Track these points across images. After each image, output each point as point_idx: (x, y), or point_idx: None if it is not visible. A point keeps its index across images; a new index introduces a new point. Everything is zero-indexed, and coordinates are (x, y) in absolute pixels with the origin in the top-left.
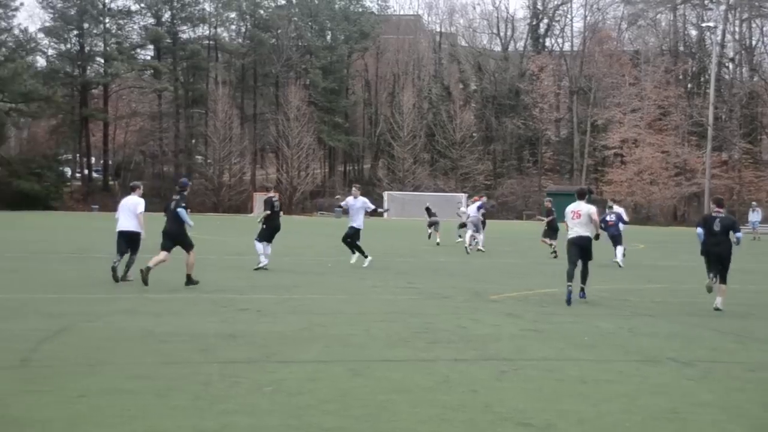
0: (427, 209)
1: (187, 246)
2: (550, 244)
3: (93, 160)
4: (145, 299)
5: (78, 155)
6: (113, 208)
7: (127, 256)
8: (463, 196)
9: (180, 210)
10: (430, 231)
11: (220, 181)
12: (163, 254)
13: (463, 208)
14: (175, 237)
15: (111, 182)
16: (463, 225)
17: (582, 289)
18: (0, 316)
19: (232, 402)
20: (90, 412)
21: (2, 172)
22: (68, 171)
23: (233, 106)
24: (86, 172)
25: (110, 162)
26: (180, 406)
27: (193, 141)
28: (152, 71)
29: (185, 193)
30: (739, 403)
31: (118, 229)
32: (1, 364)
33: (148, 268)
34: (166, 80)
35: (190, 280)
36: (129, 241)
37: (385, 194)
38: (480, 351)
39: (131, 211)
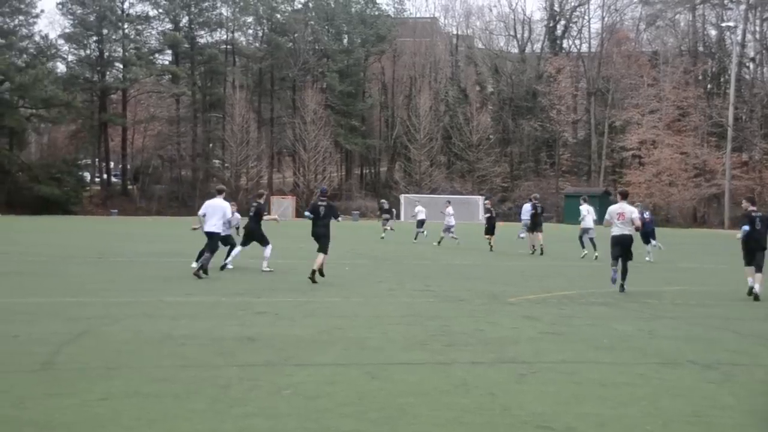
0: (381, 206)
1: (324, 248)
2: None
3: (112, 164)
4: (162, 303)
5: (97, 160)
6: (132, 213)
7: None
8: (479, 199)
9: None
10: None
11: (237, 185)
12: (321, 256)
13: (419, 207)
14: (320, 237)
15: (130, 186)
16: (421, 223)
17: (622, 285)
18: (21, 319)
19: (251, 405)
20: (110, 415)
21: (23, 177)
22: (87, 176)
23: (250, 110)
24: (105, 176)
25: (129, 166)
26: (199, 410)
27: (211, 145)
28: (170, 76)
29: (327, 197)
30: (762, 406)
31: (206, 230)
32: (23, 367)
33: (314, 272)
34: (184, 85)
35: (313, 275)
36: (211, 240)
37: (402, 197)
38: (498, 354)
39: (220, 214)
